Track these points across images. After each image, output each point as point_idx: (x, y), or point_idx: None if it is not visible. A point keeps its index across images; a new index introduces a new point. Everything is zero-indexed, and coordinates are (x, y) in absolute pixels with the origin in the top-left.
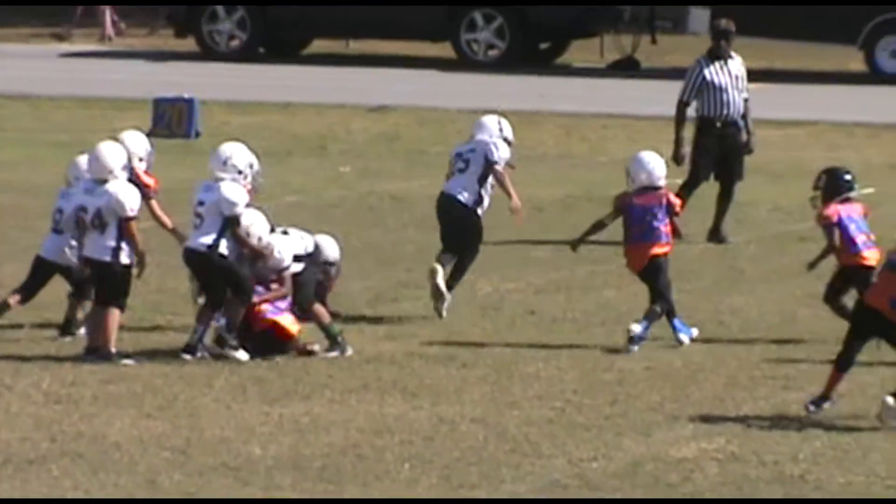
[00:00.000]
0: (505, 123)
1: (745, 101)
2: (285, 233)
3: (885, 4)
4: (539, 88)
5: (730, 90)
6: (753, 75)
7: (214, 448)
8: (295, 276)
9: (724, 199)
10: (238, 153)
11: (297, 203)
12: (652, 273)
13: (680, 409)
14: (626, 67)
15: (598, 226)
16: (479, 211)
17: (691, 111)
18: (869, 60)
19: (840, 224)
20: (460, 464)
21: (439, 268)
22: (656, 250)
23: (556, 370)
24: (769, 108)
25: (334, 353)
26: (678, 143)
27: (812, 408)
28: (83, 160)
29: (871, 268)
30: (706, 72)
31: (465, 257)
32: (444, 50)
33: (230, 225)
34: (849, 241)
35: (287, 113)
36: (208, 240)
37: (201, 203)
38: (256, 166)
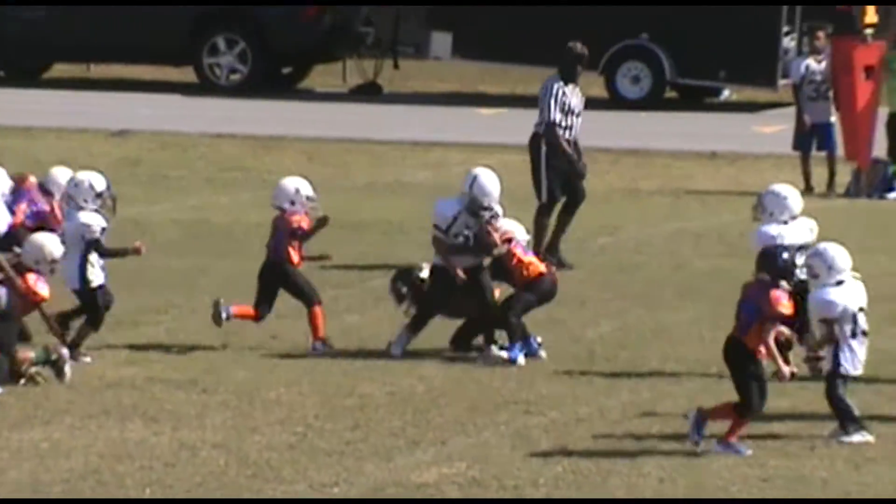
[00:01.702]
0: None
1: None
2: None
3: (625, 30)
4: (281, 113)
5: (578, 114)
6: (495, 101)
7: None
8: None
9: (569, 217)
10: (97, 179)
11: None
12: None
13: (421, 433)
14: (369, 92)
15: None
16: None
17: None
18: (609, 86)
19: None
20: (201, 489)
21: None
22: None
23: (297, 395)
24: (512, 133)
25: (66, 375)
26: (572, 161)
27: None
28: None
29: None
30: (566, 93)
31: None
32: (187, 74)
33: (94, 248)
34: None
35: (28, 137)
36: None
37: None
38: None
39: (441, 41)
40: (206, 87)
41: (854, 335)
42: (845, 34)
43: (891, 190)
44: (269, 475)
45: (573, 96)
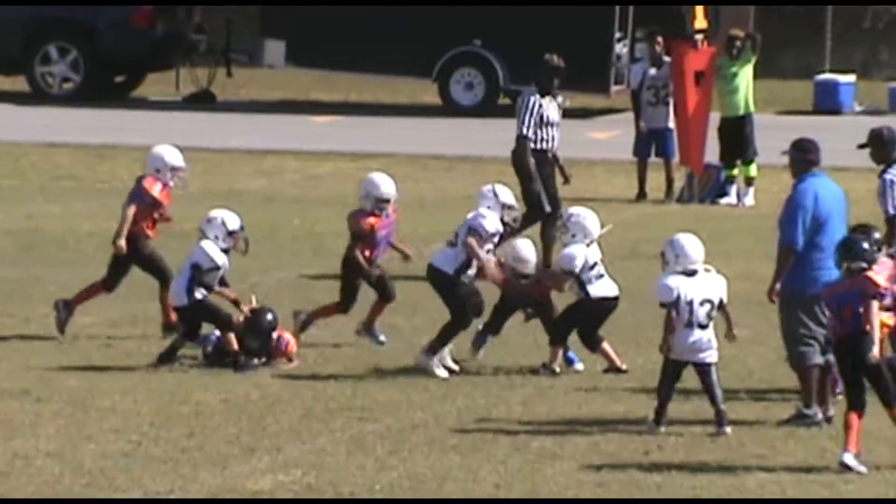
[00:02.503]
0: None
1: None
2: None
3: (457, 37)
4: (114, 121)
5: (556, 125)
6: (329, 108)
7: None
8: None
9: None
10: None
11: None
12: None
13: (256, 441)
14: (202, 100)
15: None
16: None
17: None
18: (443, 93)
19: None
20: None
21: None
22: None
23: (132, 403)
24: (344, 141)
25: None
26: (532, 178)
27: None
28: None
29: None
30: (543, 106)
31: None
32: (19, 83)
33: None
34: None
35: None
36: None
37: None
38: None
39: (274, 49)
40: (38, 95)
41: (690, 324)
42: (676, 39)
43: (724, 195)
44: (103, 483)
45: (550, 108)
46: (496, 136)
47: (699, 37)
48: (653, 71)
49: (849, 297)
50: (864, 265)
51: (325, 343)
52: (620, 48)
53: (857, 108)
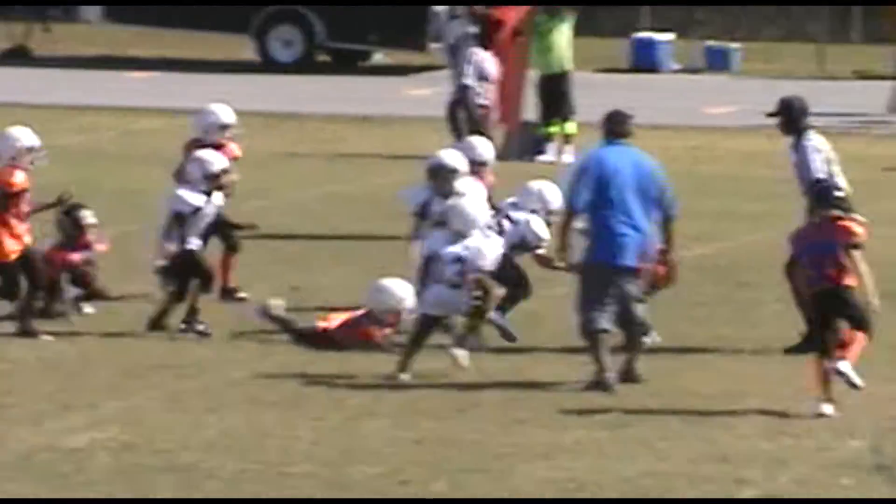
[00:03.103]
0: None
1: None
2: None
3: None
4: None
5: (492, 80)
6: (146, 64)
7: None
8: None
9: None
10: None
11: None
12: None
13: (72, 398)
14: (18, 56)
15: None
16: None
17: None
18: (261, 49)
19: None
20: None
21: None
22: None
23: None
24: (161, 97)
25: None
26: (483, 129)
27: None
28: None
29: None
30: (485, 60)
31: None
32: None
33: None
34: None
35: None
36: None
37: None
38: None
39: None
40: None
41: (438, 280)
42: None
43: (542, 152)
44: None
45: (489, 63)
46: (315, 92)
47: None
48: (471, 29)
49: (826, 246)
50: (839, 213)
51: (142, 300)
52: (439, 6)
53: (675, 67)
